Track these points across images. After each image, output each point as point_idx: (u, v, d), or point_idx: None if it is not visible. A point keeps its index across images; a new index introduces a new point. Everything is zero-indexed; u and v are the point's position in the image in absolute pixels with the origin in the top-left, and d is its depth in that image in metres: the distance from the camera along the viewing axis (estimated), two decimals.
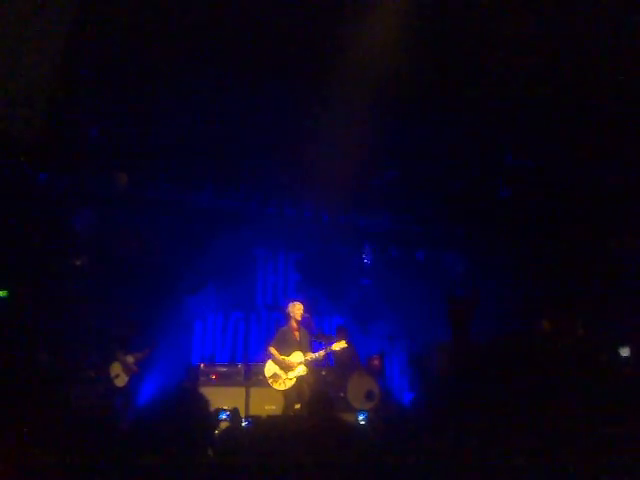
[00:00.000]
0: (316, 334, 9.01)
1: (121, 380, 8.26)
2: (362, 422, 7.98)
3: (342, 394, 9.23)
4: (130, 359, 8.37)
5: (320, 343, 8.49)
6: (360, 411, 8.52)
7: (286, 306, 8.36)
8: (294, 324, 8.00)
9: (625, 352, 9.86)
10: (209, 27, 6.09)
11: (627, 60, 6.23)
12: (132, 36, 6.02)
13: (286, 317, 8.25)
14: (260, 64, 6.59)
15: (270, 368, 7.84)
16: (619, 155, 8.33)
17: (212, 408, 6.79)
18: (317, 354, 7.91)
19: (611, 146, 8.05)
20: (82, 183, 9.09)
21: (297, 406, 7.59)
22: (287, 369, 7.72)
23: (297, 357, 7.77)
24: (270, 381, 7.78)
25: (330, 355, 9.24)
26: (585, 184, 9.25)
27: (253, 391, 8.73)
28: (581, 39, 5.94)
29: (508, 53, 6.18)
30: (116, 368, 8.27)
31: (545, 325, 8.67)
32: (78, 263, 9.04)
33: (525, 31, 5.87)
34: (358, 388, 9.27)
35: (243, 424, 5.20)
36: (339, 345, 8.19)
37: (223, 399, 8.44)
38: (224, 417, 6.65)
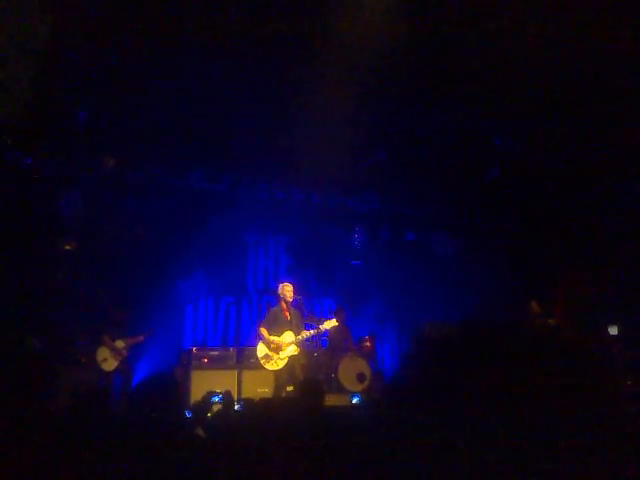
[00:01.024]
0: (307, 317, 9.05)
1: (109, 364, 8.24)
2: (356, 404, 8.01)
3: (333, 375, 9.29)
4: (120, 344, 8.34)
5: (312, 325, 8.52)
6: (353, 393, 8.58)
7: (277, 288, 8.38)
8: (284, 305, 8.01)
9: (614, 331, 9.99)
10: (196, 8, 6.02)
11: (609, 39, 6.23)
12: (119, 18, 5.94)
13: (276, 298, 8.28)
14: (249, 46, 6.52)
15: (262, 349, 7.86)
16: (606, 137, 8.36)
17: (204, 391, 6.84)
18: (309, 332, 7.94)
19: (597, 128, 8.07)
20: (70, 166, 9.02)
21: (289, 388, 7.63)
22: (278, 349, 7.74)
23: (288, 337, 7.79)
24: (262, 362, 7.80)
25: (324, 335, 9.30)
26: (572, 165, 9.28)
27: (245, 374, 8.77)
28: (565, 20, 5.92)
29: (496, 36, 6.16)
30: (103, 352, 8.25)
31: (533, 306, 8.75)
32: (67, 247, 9.00)
33: (513, 15, 5.85)
34: (349, 370, 9.33)
35: (236, 407, 5.23)
36: (330, 323, 8.21)
37: (215, 382, 8.47)
38: (216, 400, 6.67)
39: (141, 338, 8.53)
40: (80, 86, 7.16)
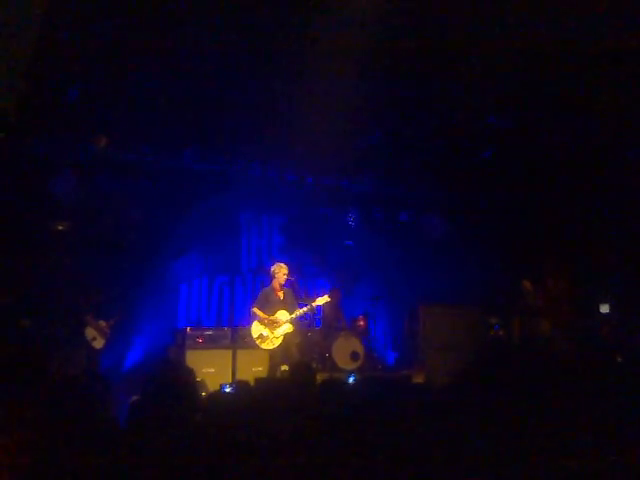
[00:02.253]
0: (301, 297, 9.09)
1: (99, 342, 8.36)
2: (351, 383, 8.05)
3: (327, 355, 9.38)
4: (102, 323, 8.44)
5: (305, 304, 8.56)
6: (349, 374, 8.64)
7: (270, 267, 8.38)
8: (276, 285, 8.02)
9: (605, 309, 10.09)
10: None
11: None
12: None
13: (270, 278, 8.29)
14: (243, 25, 6.45)
15: (257, 329, 7.89)
16: (599, 116, 8.35)
17: (199, 371, 6.79)
18: (302, 310, 7.99)
19: (591, 108, 8.06)
20: (62, 146, 8.95)
21: (284, 367, 7.68)
22: (273, 327, 7.78)
23: (282, 315, 7.83)
24: (257, 341, 7.83)
25: (318, 314, 9.35)
26: (566, 145, 9.28)
27: (240, 353, 8.81)
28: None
29: (489, 15, 6.11)
30: (91, 332, 8.34)
31: (525, 285, 8.82)
32: (60, 228, 8.97)
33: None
34: (343, 349, 9.43)
35: (228, 389, 5.24)
36: (322, 300, 8.25)
37: (210, 362, 8.54)
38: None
39: (114, 320, 8.57)
40: (72, 64, 7.07)
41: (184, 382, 2.63)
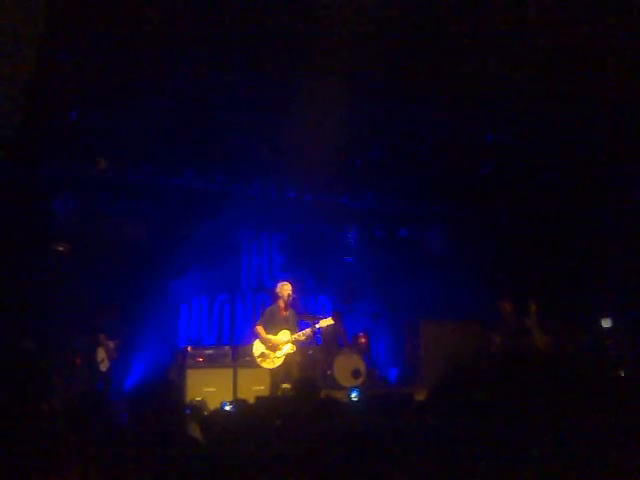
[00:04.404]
0: (302, 314, 9.06)
1: (104, 365, 8.29)
2: (355, 399, 8.00)
3: (329, 372, 9.32)
4: (111, 344, 8.38)
5: (307, 322, 8.54)
6: (352, 388, 8.58)
7: (274, 286, 8.37)
8: (282, 304, 8.00)
9: (607, 323, 10.04)
10: (185, 7, 6.01)
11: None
12: (110, 19, 5.92)
13: (274, 297, 8.27)
14: (241, 46, 6.52)
15: (258, 347, 7.86)
16: (598, 133, 8.40)
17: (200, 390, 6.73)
18: (304, 332, 7.93)
19: (590, 125, 8.11)
20: (63, 168, 8.99)
21: (285, 385, 7.64)
22: (274, 348, 7.75)
23: (284, 336, 7.79)
24: (258, 360, 7.80)
25: (318, 333, 9.31)
26: (564, 161, 9.32)
27: (241, 372, 8.77)
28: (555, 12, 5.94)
29: (487, 31, 6.17)
30: (101, 353, 8.28)
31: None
32: (60, 249, 8.97)
33: (504, 11, 5.86)
34: (345, 366, 9.38)
35: (227, 408, 5.19)
36: (326, 322, 8.22)
37: (211, 381, 8.49)
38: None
39: (120, 341, 8.53)
40: (73, 87, 7.13)
41: (172, 401, 2.61)
